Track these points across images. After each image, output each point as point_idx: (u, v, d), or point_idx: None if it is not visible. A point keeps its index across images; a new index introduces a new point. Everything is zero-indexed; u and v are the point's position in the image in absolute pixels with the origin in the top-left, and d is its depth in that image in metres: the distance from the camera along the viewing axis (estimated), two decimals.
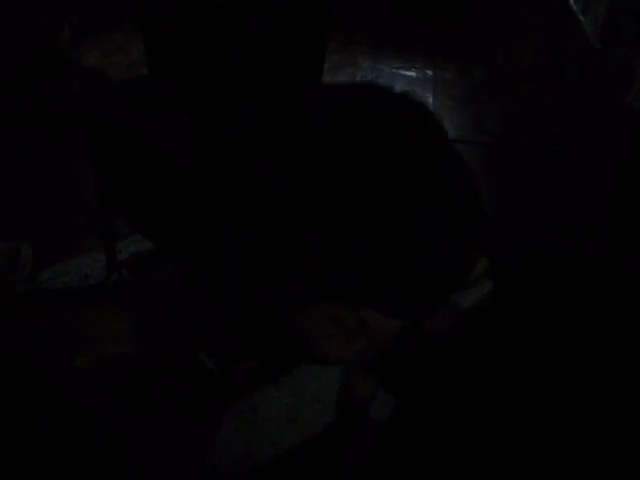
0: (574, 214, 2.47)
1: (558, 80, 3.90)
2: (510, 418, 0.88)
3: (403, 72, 4.51)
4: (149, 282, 2.02)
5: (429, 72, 4.48)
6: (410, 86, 4.33)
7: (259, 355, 1.21)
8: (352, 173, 0.62)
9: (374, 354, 0.81)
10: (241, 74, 1.45)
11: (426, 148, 0.67)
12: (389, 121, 0.66)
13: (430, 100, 4.06)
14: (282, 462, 1.60)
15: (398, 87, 0.72)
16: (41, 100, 3.31)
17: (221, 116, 1.49)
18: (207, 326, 1.07)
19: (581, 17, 3.44)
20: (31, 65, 3.50)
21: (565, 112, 3.59)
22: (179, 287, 1.22)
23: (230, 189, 0.67)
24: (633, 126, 2.58)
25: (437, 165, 0.67)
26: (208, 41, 1.40)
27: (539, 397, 0.88)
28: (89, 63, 4.06)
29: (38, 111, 3.24)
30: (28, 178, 2.75)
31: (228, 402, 1.73)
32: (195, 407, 1.72)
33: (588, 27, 3.30)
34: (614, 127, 2.62)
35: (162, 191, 1.58)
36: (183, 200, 1.53)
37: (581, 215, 2.43)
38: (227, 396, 1.74)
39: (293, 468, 1.60)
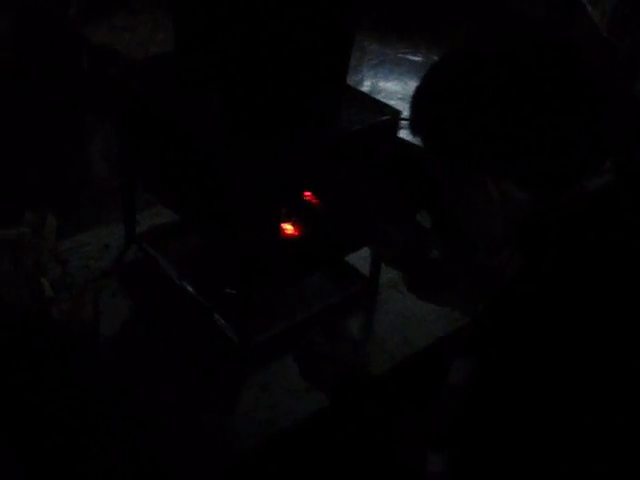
0: None
1: None
2: None
3: (410, 57, 4.54)
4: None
5: (434, 57, 4.48)
6: (416, 71, 4.37)
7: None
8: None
9: (509, 227, 0.95)
10: (272, 58, 1.48)
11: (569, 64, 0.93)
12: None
13: None
14: (301, 428, 1.65)
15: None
16: (52, 76, 3.32)
17: (252, 94, 1.52)
18: None
19: (589, 7, 3.48)
20: (40, 41, 3.51)
21: None
22: None
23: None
24: None
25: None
26: (241, 26, 1.44)
27: None
28: (97, 40, 4.06)
29: (50, 87, 3.26)
30: (45, 153, 2.77)
31: (249, 371, 1.77)
32: (217, 376, 1.77)
33: (596, 17, 3.34)
34: (622, 116, 2.65)
35: (189, 163, 1.62)
36: (210, 172, 1.57)
37: None
38: (248, 365, 1.78)
39: (312, 434, 1.65)
